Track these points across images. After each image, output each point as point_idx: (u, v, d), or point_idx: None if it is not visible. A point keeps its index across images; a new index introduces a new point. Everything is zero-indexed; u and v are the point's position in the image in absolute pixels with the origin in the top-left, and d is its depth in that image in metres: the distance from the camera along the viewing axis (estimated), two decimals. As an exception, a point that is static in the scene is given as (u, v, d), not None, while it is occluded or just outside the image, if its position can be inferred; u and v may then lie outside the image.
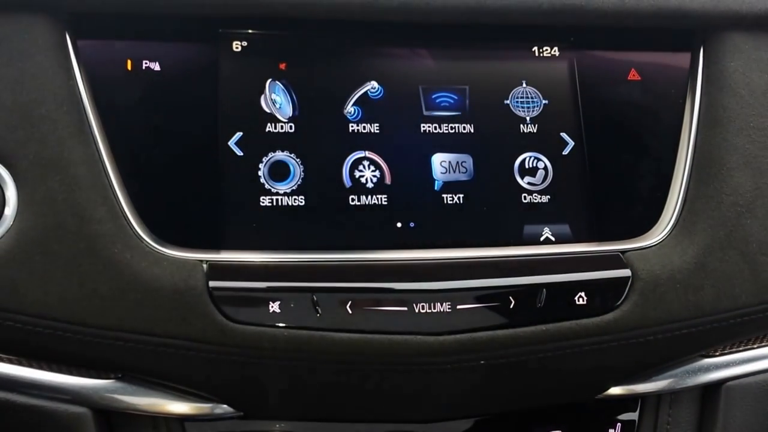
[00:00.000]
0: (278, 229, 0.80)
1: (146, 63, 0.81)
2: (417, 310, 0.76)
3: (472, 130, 0.85)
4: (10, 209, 0.73)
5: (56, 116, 0.75)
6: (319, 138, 0.82)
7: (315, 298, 0.75)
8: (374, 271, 0.78)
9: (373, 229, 0.81)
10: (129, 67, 0.80)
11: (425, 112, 0.85)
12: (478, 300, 0.78)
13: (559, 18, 0.86)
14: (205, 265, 0.75)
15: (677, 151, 0.88)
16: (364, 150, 0.83)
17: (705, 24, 0.90)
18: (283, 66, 0.84)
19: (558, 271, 0.81)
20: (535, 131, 0.87)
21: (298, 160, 0.81)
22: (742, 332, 0.89)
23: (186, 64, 0.82)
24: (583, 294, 0.80)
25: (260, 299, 0.75)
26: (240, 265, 0.77)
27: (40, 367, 0.78)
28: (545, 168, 0.86)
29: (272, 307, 0.74)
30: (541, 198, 0.85)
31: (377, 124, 0.84)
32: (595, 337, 0.80)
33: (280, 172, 0.81)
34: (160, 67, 0.81)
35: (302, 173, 0.81)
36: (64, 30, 0.78)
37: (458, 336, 0.77)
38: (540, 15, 0.85)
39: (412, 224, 0.82)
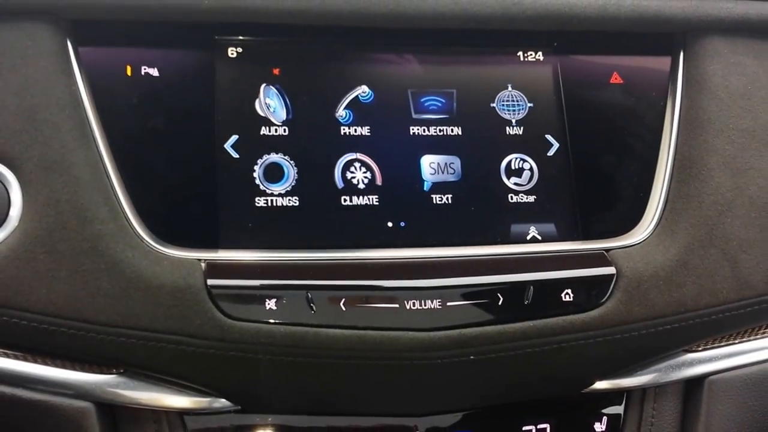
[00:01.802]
0: (273, 228, 0.80)
1: (145, 69, 0.81)
2: (408, 307, 0.77)
3: (459, 133, 0.86)
4: (15, 210, 0.74)
5: (59, 120, 0.76)
6: (312, 140, 0.83)
7: (309, 296, 0.76)
8: (366, 269, 0.79)
9: (364, 229, 0.82)
10: (128, 73, 0.81)
11: (414, 115, 0.86)
12: (467, 297, 0.79)
13: (542, 24, 0.87)
14: (203, 264, 0.76)
15: (659, 152, 0.89)
16: (356, 152, 0.84)
17: (685, 29, 0.91)
18: (276, 71, 0.84)
19: (544, 269, 0.82)
20: (520, 133, 0.87)
21: (291, 162, 0.82)
22: (724, 328, 0.90)
23: (183, 69, 0.83)
24: (569, 291, 0.81)
25: (257, 297, 0.75)
26: (237, 263, 0.78)
27: (45, 363, 0.78)
28: (531, 169, 0.87)
29: (268, 304, 0.75)
30: (527, 198, 0.86)
31: (368, 127, 0.84)
32: (581, 332, 0.81)
33: (274, 173, 0.82)
34: (159, 72, 0.82)
35: (296, 175, 0.82)
36: (65, 37, 0.79)
37: (448, 332, 0.78)
38: (524, 21, 0.86)
39: (402, 224, 0.83)
